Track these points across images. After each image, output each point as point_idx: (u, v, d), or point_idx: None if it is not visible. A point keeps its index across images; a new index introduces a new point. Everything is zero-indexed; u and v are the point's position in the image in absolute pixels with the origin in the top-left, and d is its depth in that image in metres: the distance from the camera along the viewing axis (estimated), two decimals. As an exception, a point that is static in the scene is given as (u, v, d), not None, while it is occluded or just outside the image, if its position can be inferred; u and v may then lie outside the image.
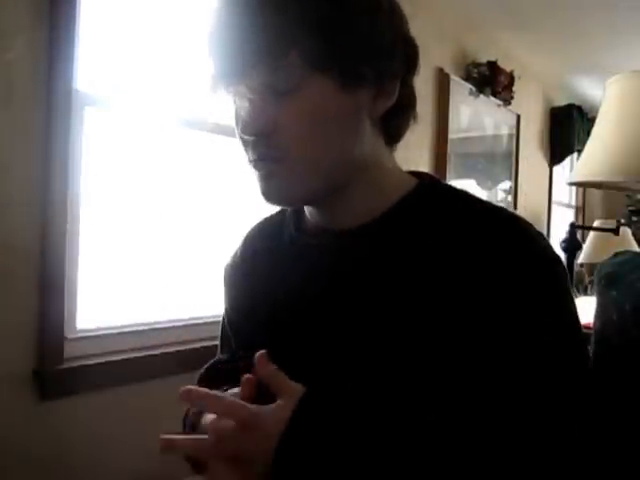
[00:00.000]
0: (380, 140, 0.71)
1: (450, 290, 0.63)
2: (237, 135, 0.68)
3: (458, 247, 0.64)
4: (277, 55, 0.60)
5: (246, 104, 0.64)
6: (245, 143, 0.66)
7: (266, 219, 0.86)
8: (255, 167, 0.67)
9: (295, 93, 0.62)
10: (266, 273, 0.78)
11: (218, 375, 0.79)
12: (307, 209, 0.76)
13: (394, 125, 0.71)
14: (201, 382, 0.81)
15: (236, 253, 0.86)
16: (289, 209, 0.81)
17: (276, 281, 0.76)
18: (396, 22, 0.67)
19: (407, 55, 0.68)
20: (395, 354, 0.64)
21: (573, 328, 0.66)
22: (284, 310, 0.74)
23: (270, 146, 0.64)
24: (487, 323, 0.61)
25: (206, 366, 0.85)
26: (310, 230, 0.76)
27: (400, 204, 0.70)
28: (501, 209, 0.69)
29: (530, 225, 0.67)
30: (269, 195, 0.67)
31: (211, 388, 0.65)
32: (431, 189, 0.72)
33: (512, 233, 0.65)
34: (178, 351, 1.69)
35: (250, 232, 0.87)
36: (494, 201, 4.11)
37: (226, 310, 0.86)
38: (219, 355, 0.87)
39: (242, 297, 0.82)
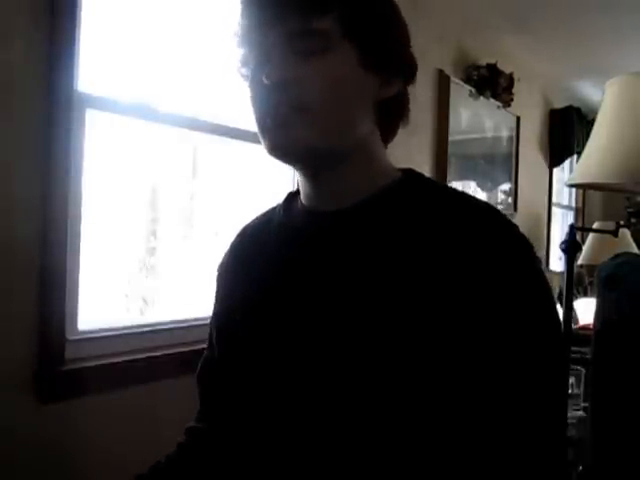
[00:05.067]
0: (376, 131, 0.76)
1: (426, 274, 0.65)
2: (254, 88, 0.71)
3: (437, 234, 0.67)
4: (316, 10, 0.66)
5: (275, 52, 0.68)
6: (264, 91, 0.69)
7: (257, 216, 0.88)
8: (272, 114, 0.68)
9: (322, 55, 0.67)
10: (253, 260, 0.81)
11: None
12: (301, 189, 0.78)
13: (388, 123, 0.77)
14: None
15: (227, 251, 0.89)
16: (280, 203, 0.83)
17: (261, 265, 0.79)
18: (407, 34, 0.75)
19: (409, 65, 0.76)
20: (366, 335, 0.66)
21: (550, 308, 0.68)
22: (266, 293, 0.76)
23: (292, 95, 0.67)
24: (461, 308, 0.63)
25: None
26: (298, 213, 0.79)
27: (385, 190, 0.73)
28: (479, 201, 0.72)
29: (503, 215, 0.70)
30: (280, 144, 0.69)
31: None
32: (415, 181, 0.76)
33: (489, 222, 0.68)
34: (180, 352, 1.69)
35: (241, 229, 0.89)
36: (494, 203, 4.11)
37: (214, 305, 0.89)
38: (205, 353, 0.90)
39: (229, 288, 0.85)
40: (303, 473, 0.69)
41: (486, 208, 0.70)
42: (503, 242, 0.66)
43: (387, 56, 0.71)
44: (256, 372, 0.75)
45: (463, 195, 0.73)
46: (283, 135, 0.68)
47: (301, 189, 0.78)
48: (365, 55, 0.69)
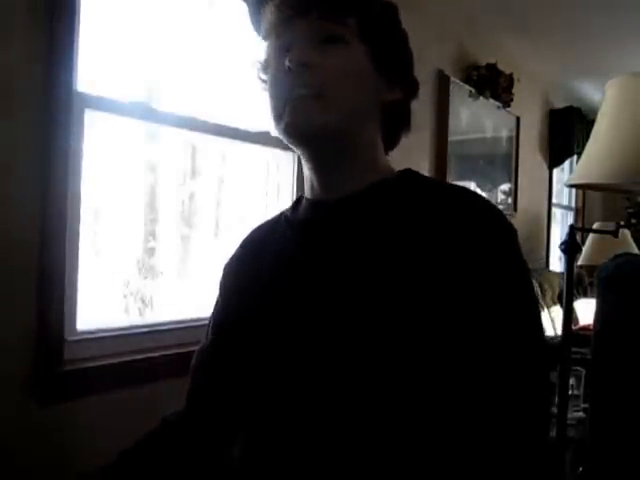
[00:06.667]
0: (379, 133, 0.83)
1: (419, 258, 0.71)
2: (274, 74, 0.78)
3: (429, 221, 0.73)
4: (339, 9, 0.75)
5: (298, 40, 0.75)
6: (284, 75, 0.75)
7: (264, 221, 0.93)
8: (290, 97, 0.74)
9: (341, 47, 0.75)
10: (259, 257, 0.86)
11: None
12: (306, 183, 0.84)
13: (390, 128, 0.85)
14: None
15: (234, 251, 0.92)
16: (286, 208, 0.88)
17: (266, 259, 0.84)
18: (411, 58, 0.85)
19: (411, 80, 0.84)
20: (367, 315, 0.70)
21: (527, 284, 0.74)
22: (269, 284, 0.81)
23: (310, 79, 0.73)
24: (454, 288, 0.69)
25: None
26: (303, 207, 0.84)
27: (383, 181, 0.80)
28: (467, 190, 0.80)
29: (491, 204, 0.78)
30: (295, 122, 0.75)
31: None
32: (411, 176, 0.83)
33: (476, 206, 0.75)
34: (179, 353, 1.69)
35: (249, 233, 0.94)
36: (494, 203, 4.21)
37: (216, 302, 0.92)
38: (202, 344, 0.93)
39: (234, 287, 0.88)
40: (303, 467, 0.71)
41: (475, 198, 0.76)
42: (488, 228, 0.72)
43: (393, 63, 0.80)
44: (256, 360, 0.78)
45: (454, 187, 0.80)
46: (299, 114, 0.74)
47: (306, 184, 0.84)
48: (376, 57, 0.78)
